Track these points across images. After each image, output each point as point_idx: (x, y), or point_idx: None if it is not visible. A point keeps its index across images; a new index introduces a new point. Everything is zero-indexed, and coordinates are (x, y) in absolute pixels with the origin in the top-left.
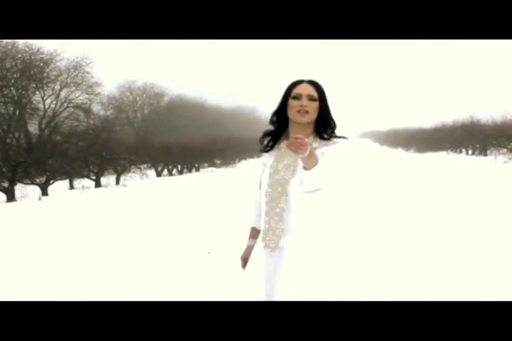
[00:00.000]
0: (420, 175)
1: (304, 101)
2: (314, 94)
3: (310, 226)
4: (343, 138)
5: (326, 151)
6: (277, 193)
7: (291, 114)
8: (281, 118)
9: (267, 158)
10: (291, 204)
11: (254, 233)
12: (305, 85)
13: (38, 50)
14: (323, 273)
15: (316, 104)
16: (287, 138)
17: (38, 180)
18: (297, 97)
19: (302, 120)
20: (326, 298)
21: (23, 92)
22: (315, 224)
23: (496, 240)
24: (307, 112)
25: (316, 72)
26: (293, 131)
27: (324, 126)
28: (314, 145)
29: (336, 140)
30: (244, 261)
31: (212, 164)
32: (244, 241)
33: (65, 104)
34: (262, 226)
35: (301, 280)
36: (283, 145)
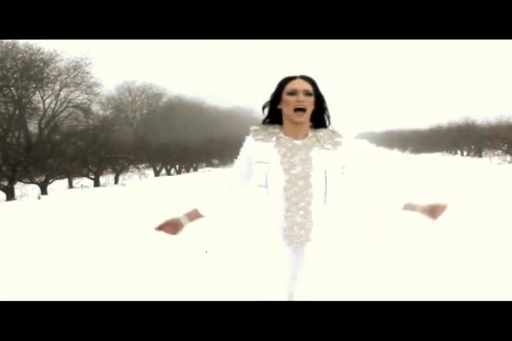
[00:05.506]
0: (416, 175)
1: (301, 97)
2: (310, 88)
3: (334, 219)
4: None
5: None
6: (298, 187)
7: (288, 111)
8: (272, 113)
9: (260, 154)
10: (315, 197)
11: (194, 215)
12: (299, 80)
13: (38, 51)
14: (349, 268)
15: (311, 99)
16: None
17: (37, 179)
18: (293, 93)
19: (300, 120)
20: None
21: (23, 92)
22: (337, 216)
23: (491, 241)
24: (304, 111)
25: (312, 74)
26: (288, 129)
27: (320, 121)
28: (315, 137)
29: (336, 132)
30: (164, 227)
31: (210, 164)
32: (241, 241)
33: (65, 104)
34: (275, 223)
35: (328, 277)
36: (283, 139)
